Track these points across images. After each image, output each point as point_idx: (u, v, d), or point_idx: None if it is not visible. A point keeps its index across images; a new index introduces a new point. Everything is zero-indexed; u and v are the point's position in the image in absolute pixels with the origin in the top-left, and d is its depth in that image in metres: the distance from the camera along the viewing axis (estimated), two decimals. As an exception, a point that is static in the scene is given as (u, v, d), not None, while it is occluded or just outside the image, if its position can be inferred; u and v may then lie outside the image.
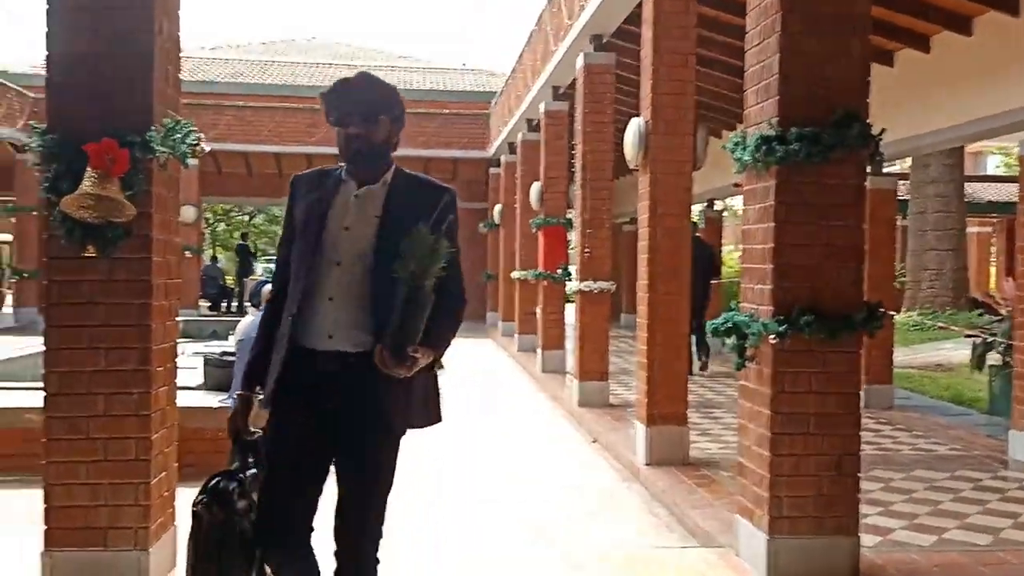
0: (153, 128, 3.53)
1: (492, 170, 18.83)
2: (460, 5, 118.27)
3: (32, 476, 3.85)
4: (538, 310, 11.65)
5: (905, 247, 18.30)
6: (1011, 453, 6.45)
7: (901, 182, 15.12)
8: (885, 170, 9.03)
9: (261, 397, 2.54)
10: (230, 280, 24.18)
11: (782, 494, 3.87)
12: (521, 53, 13.90)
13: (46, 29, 3.57)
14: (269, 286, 2.86)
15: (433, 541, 4.57)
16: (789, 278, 3.87)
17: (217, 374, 6.51)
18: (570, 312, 9.89)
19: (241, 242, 24.29)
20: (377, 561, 2.51)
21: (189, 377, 6.46)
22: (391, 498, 2.52)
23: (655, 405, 6.14)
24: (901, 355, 11.42)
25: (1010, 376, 7.17)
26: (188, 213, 17.21)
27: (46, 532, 3.56)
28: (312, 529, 2.52)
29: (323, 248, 2.47)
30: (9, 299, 20.11)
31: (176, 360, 3.95)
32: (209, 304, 21.85)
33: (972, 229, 23.42)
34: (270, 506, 2.47)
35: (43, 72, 3.68)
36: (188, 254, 17.50)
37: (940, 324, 15.05)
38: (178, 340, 4.02)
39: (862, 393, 4.05)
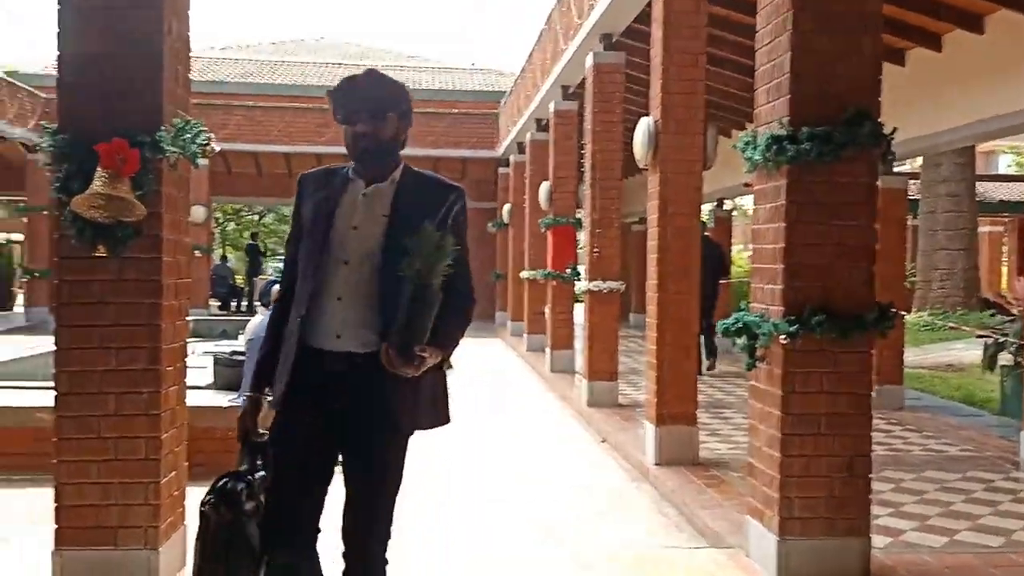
0: (163, 128, 3.54)
1: (501, 170, 18.82)
2: (461, 5, 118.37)
3: (43, 475, 3.86)
4: (547, 310, 11.64)
5: (916, 247, 18.22)
6: (1023, 454, 6.41)
7: (912, 182, 15.06)
8: (896, 169, 8.99)
9: (270, 398, 2.54)
10: (240, 280, 24.24)
11: (793, 495, 3.85)
12: (530, 52, 13.89)
13: (57, 30, 3.58)
14: (278, 286, 2.86)
15: (442, 541, 4.57)
16: (800, 278, 3.85)
17: (227, 373, 6.53)
18: (579, 312, 9.88)
19: (251, 242, 24.34)
20: (386, 561, 2.50)
21: (199, 376, 6.47)
22: (400, 498, 2.51)
23: (664, 405, 6.12)
24: (912, 355, 11.37)
25: (1022, 376, 7.15)
26: (198, 213, 17.28)
27: (57, 531, 3.58)
28: (319, 530, 2.51)
29: (330, 247, 2.46)
30: (20, 298, 20.23)
31: (186, 359, 3.96)
32: (219, 303, 21.91)
33: (984, 229, 23.32)
34: (277, 506, 2.46)
35: (54, 72, 3.70)
36: (198, 254, 17.58)
37: (951, 324, 14.98)
38: (188, 339, 4.03)
39: (873, 394, 4.03)
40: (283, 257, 2.88)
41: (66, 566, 3.56)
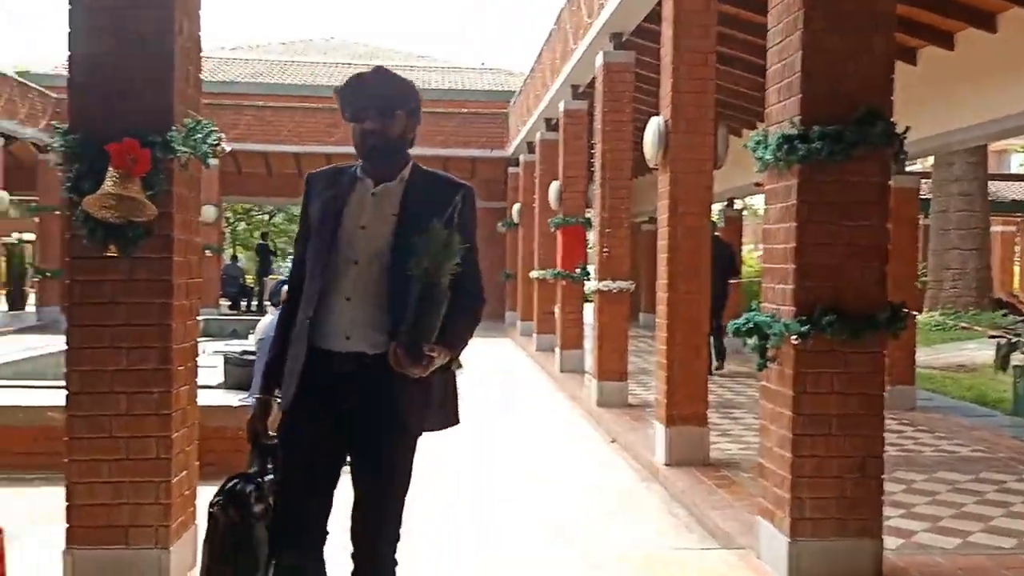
0: (174, 128, 3.55)
1: (511, 169, 18.83)
2: (470, 5, 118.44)
3: (54, 474, 3.88)
4: (556, 309, 11.63)
5: (927, 246, 18.15)
6: (1036, 455, 6.37)
7: (923, 181, 14.99)
8: (908, 169, 8.96)
9: (280, 400, 2.53)
10: (250, 279, 24.30)
11: (804, 496, 3.84)
12: (540, 52, 13.88)
13: (68, 30, 3.59)
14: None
15: (452, 541, 4.56)
16: (811, 278, 3.83)
17: (237, 373, 6.54)
18: (588, 311, 9.87)
19: (261, 241, 24.42)
20: (395, 562, 2.49)
21: (210, 376, 6.49)
22: (409, 498, 2.49)
23: (674, 405, 6.11)
24: (923, 355, 11.31)
25: (1035, 377, 7.10)
26: (208, 213, 17.33)
27: (68, 530, 3.59)
28: (327, 533, 2.50)
29: (339, 246, 2.44)
30: (32, 298, 20.33)
31: (197, 359, 3.97)
32: (229, 303, 21.98)
33: (996, 228, 23.21)
34: (284, 507, 2.45)
35: (65, 72, 3.71)
36: (208, 253, 17.63)
37: (963, 324, 14.91)
38: (198, 339, 4.04)
39: (884, 394, 4.01)
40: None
41: (77, 565, 3.57)
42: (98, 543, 3.58)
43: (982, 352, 12.17)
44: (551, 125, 13.54)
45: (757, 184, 4.65)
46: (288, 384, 2.46)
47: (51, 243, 18.29)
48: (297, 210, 2.70)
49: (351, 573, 2.48)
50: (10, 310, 19.35)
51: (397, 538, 2.48)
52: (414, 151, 2.57)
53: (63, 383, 3.63)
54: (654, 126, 6.27)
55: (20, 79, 17.49)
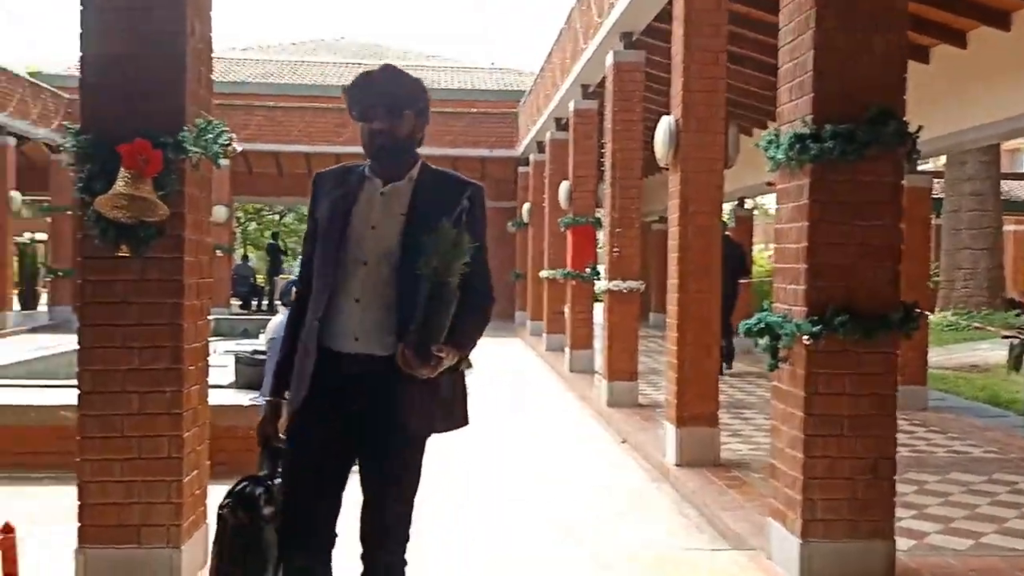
0: (186, 129, 3.56)
1: (521, 169, 18.83)
2: (480, 5, 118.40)
3: (66, 473, 3.89)
4: (566, 309, 11.62)
5: (939, 246, 18.06)
6: (1050, 456, 6.33)
7: (936, 180, 14.92)
8: (920, 168, 8.91)
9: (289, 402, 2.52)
10: (261, 279, 24.39)
11: (815, 497, 3.82)
12: (550, 51, 13.88)
13: (80, 31, 3.60)
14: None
15: (462, 540, 4.56)
16: (823, 277, 3.81)
17: (248, 372, 6.55)
18: (598, 311, 9.86)
19: (271, 241, 24.50)
20: (405, 563, 2.48)
21: (221, 375, 6.51)
22: (419, 498, 2.48)
23: (685, 406, 6.09)
24: (935, 356, 11.25)
25: (1049, 377, 7.05)
26: (219, 213, 17.39)
27: (80, 529, 3.60)
28: (335, 535, 2.49)
29: (347, 246, 2.42)
30: (44, 297, 20.46)
31: (208, 359, 3.98)
32: (240, 303, 22.06)
33: (1009, 227, 23.05)
34: (293, 509, 2.43)
35: (77, 73, 3.72)
36: (219, 253, 17.69)
37: (976, 324, 14.84)
38: (209, 338, 4.05)
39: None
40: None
41: (89, 564, 3.58)
42: (110, 542, 3.59)
43: (995, 352, 12.10)
44: (561, 125, 13.53)
45: (769, 183, 4.62)
46: (297, 386, 2.45)
47: (63, 243, 18.40)
48: (307, 210, 2.68)
49: (361, 574, 2.47)
50: (22, 309, 19.49)
51: (407, 539, 2.48)
52: (423, 151, 2.55)
53: (75, 382, 3.64)
54: (665, 125, 6.26)
55: (32, 80, 17.59)
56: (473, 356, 2.50)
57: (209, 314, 4.01)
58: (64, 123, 14.46)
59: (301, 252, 2.67)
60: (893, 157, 3.81)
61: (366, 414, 2.40)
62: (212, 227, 4.16)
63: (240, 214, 30.00)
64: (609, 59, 8.78)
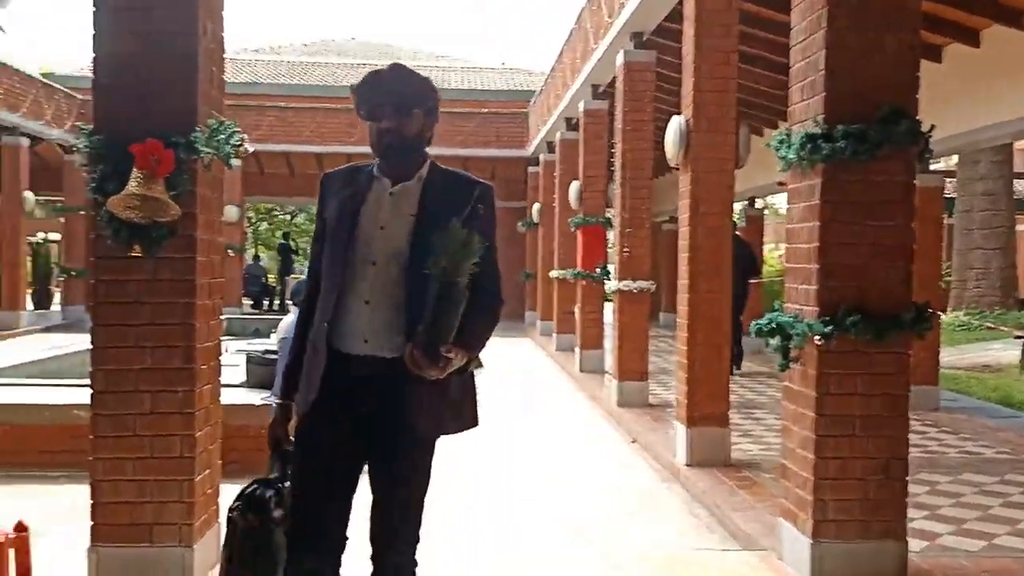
0: (197, 129, 3.57)
1: (531, 169, 18.83)
2: (490, 5, 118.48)
3: (79, 472, 3.92)
4: (576, 309, 11.62)
5: (951, 246, 17.97)
6: (1063, 457, 6.29)
7: (948, 180, 14.85)
8: (932, 167, 8.87)
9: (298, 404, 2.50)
10: (272, 278, 24.47)
11: (827, 497, 3.81)
12: (560, 52, 13.88)
13: (92, 31, 3.62)
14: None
15: (471, 540, 4.57)
16: (835, 277, 3.80)
17: (260, 372, 6.57)
18: (608, 311, 9.85)
19: (283, 241, 24.59)
20: (415, 563, 2.47)
21: (232, 375, 6.53)
22: (428, 499, 2.47)
23: (695, 406, 6.08)
24: (947, 356, 11.19)
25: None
26: (231, 213, 17.46)
27: (92, 528, 3.62)
28: (346, 538, 2.47)
29: (356, 246, 2.40)
30: (57, 297, 20.58)
31: (220, 358, 3.99)
32: (251, 302, 22.15)
33: (1021, 227, 22.89)
34: (303, 511, 2.42)
35: (90, 74, 3.74)
36: (231, 253, 17.76)
37: (988, 324, 14.76)
38: (221, 338, 4.06)
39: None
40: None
41: (102, 562, 3.60)
42: (122, 541, 3.61)
43: (1007, 352, 12.04)
44: (571, 125, 13.52)
45: (780, 183, 4.61)
46: (306, 387, 2.43)
47: (76, 243, 18.51)
48: (316, 210, 2.65)
49: (370, 575, 2.46)
50: (36, 309, 19.62)
51: (417, 540, 2.46)
52: (434, 151, 2.54)
53: (88, 381, 3.66)
54: (675, 125, 6.25)
55: (46, 81, 17.70)
56: (483, 356, 2.48)
57: (221, 314, 4.03)
58: (77, 124, 14.55)
59: (309, 252, 2.66)
60: (905, 157, 3.80)
61: (375, 416, 2.38)
62: (224, 227, 4.18)
63: (252, 214, 30.11)
64: (620, 59, 8.78)
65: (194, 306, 3.63)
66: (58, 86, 17.98)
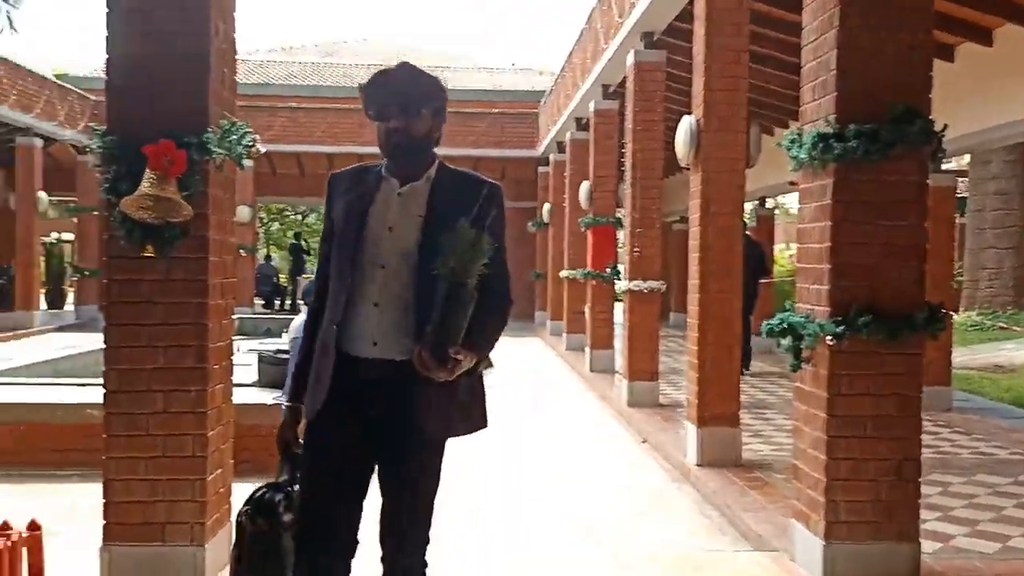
0: (210, 130, 3.59)
1: (541, 169, 18.82)
2: (501, 6, 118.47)
3: (92, 471, 3.94)
4: (587, 309, 11.61)
5: (963, 245, 17.87)
6: (1077, 458, 6.25)
7: (960, 179, 14.77)
8: (944, 167, 8.83)
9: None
10: (283, 278, 24.54)
11: (839, 498, 3.79)
12: (571, 52, 13.87)
13: (105, 33, 3.64)
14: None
15: (481, 540, 4.57)
16: (847, 277, 3.79)
17: (271, 371, 6.59)
18: (619, 311, 9.84)
19: (294, 241, 24.65)
20: (425, 564, 2.47)
21: (244, 374, 6.55)
22: (437, 499, 2.47)
23: (706, 406, 6.07)
24: (959, 356, 11.13)
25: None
26: (243, 213, 17.53)
27: (105, 527, 3.64)
28: (357, 541, 2.46)
29: (364, 247, 2.39)
30: (71, 296, 20.70)
31: (232, 358, 4.01)
32: (263, 302, 22.22)
33: (1034, 227, 22.74)
34: (312, 514, 2.41)
35: (103, 75, 3.76)
36: (243, 253, 17.82)
37: (1001, 324, 14.67)
38: (233, 337, 4.08)
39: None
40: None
41: (114, 561, 3.62)
42: (134, 540, 3.63)
43: (1020, 352, 11.97)
44: (581, 125, 13.51)
45: (791, 183, 4.60)
46: (315, 390, 2.42)
47: (89, 243, 18.62)
48: (324, 210, 2.64)
49: None
50: (50, 308, 19.72)
51: (427, 541, 2.46)
52: (445, 151, 2.53)
53: (101, 381, 3.68)
54: (686, 125, 6.24)
55: (59, 82, 17.81)
56: (493, 355, 2.46)
57: (233, 313, 4.04)
58: (90, 125, 14.62)
59: (318, 252, 2.63)
60: (918, 156, 3.78)
61: (384, 418, 2.37)
62: (236, 227, 4.19)
63: (263, 214, 30.22)
64: (630, 59, 8.77)
65: (206, 306, 3.65)
66: (71, 87, 18.08)
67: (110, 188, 3.56)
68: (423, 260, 2.31)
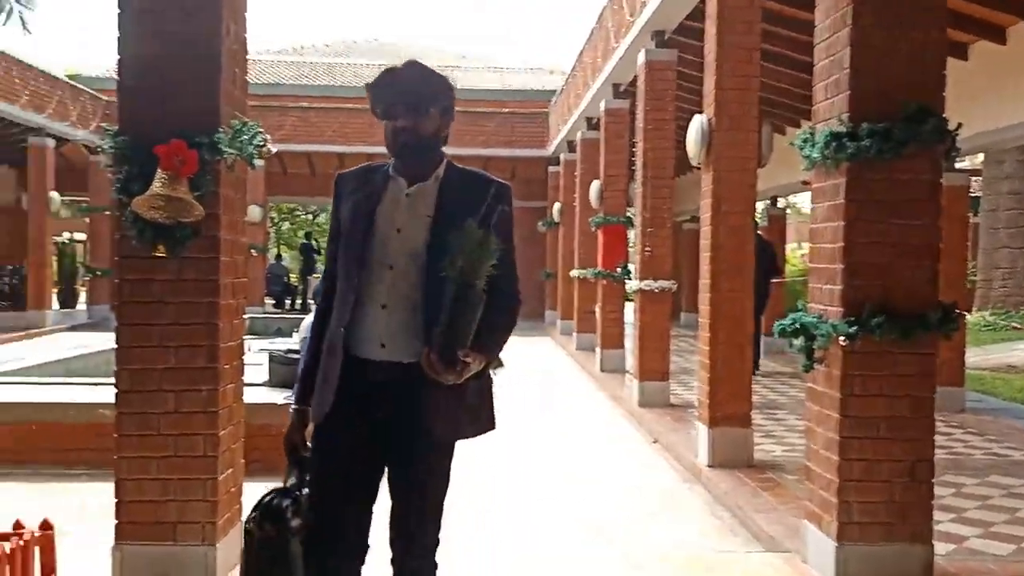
0: (221, 130, 3.59)
1: (551, 168, 18.81)
2: (511, 6, 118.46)
3: (104, 470, 3.95)
4: (597, 309, 11.59)
5: (976, 245, 17.77)
6: (1092, 460, 6.20)
7: (973, 179, 14.68)
8: (957, 166, 8.77)
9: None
10: (294, 278, 24.60)
11: (852, 499, 3.77)
12: (581, 51, 13.85)
13: (117, 33, 3.65)
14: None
15: (490, 539, 4.57)
16: (860, 277, 3.76)
17: (282, 371, 6.60)
18: (629, 311, 9.82)
19: (305, 241, 24.70)
20: (435, 565, 2.45)
21: (255, 374, 6.56)
22: (447, 502, 2.45)
23: (718, 406, 6.05)
24: (972, 356, 11.06)
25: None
26: (254, 213, 17.58)
27: (117, 526, 3.65)
28: (367, 545, 2.45)
29: (372, 247, 2.36)
30: (83, 296, 20.80)
31: (243, 357, 4.01)
32: (274, 301, 22.28)
33: (1048, 226, 22.59)
34: (321, 516, 2.39)
35: (115, 75, 3.77)
36: (254, 253, 17.88)
37: (1014, 324, 14.57)
38: (244, 337, 4.08)
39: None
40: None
41: (126, 560, 3.63)
42: (146, 539, 3.64)
43: (1034, 353, 11.88)
44: (592, 124, 13.49)
45: (804, 182, 4.57)
46: (322, 392, 2.40)
47: (101, 243, 18.71)
48: (331, 210, 2.61)
49: None
50: (62, 308, 19.82)
51: (436, 543, 2.44)
52: (454, 150, 2.51)
53: (113, 381, 3.69)
54: (697, 124, 6.22)
55: (71, 82, 17.89)
56: (503, 355, 2.45)
57: (244, 313, 4.05)
58: (102, 125, 14.70)
59: (326, 251, 2.61)
60: (931, 155, 3.75)
61: (392, 421, 2.36)
62: (247, 227, 4.20)
63: (274, 214, 30.29)
64: (641, 58, 8.75)
65: (218, 305, 3.65)
66: (83, 87, 18.17)
67: (122, 188, 3.57)
68: (432, 260, 2.28)
